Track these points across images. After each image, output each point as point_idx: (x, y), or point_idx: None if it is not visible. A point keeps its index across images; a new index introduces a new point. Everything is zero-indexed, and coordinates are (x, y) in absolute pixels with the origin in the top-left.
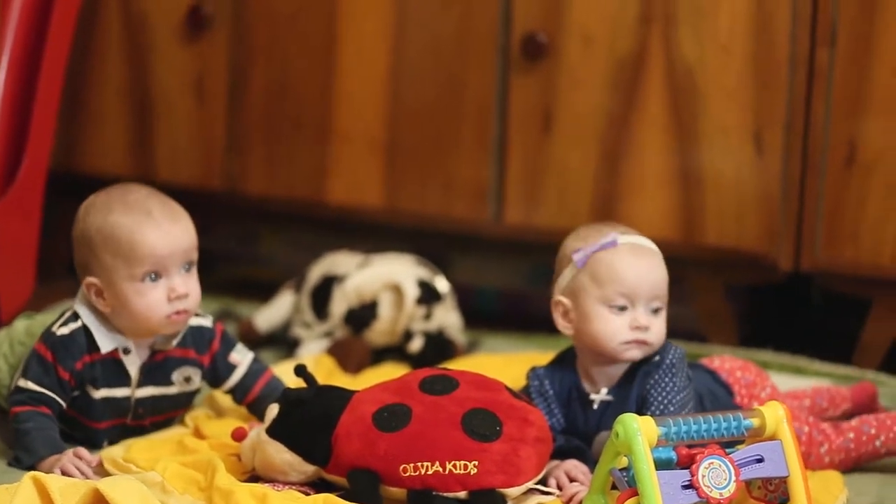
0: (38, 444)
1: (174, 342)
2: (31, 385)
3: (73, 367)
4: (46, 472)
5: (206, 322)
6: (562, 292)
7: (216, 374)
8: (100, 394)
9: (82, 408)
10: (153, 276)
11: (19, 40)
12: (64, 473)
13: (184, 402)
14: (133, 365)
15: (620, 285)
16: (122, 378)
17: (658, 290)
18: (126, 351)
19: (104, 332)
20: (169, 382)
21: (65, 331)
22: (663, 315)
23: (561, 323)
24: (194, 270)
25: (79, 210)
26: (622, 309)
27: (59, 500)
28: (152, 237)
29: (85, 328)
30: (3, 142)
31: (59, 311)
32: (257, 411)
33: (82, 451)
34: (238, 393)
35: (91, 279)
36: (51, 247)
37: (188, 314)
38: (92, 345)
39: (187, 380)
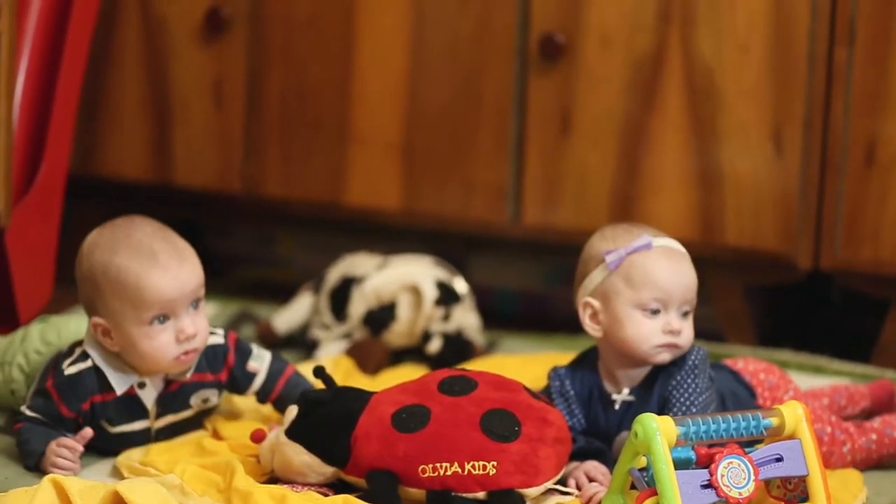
0: (33, 443)
1: (188, 374)
2: (32, 414)
3: (78, 407)
4: (50, 468)
5: (218, 339)
6: (590, 294)
7: (236, 385)
8: (117, 429)
9: (100, 439)
10: (161, 318)
11: (38, 43)
12: (56, 467)
13: (203, 418)
14: (149, 398)
15: (655, 289)
16: (139, 412)
17: (690, 294)
18: (141, 385)
19: (116, 373)
20: (187, 407)
21: (73, 370)
22: (691, 318)
23: (589, 325)
24: (202, 306)
25: (82, 247)
26: (655, 312)
27: (77, 502)
28: (160, 282)
29: (96, 368)
30: (22, 145)
31: (76, 315)
32: (281, 409)
33: (64, 439)
34: (261, 395)
35: (98, 319)
36: (69, 250)
37: (197, 352)
38: (105, 385)
39: (205, 401)
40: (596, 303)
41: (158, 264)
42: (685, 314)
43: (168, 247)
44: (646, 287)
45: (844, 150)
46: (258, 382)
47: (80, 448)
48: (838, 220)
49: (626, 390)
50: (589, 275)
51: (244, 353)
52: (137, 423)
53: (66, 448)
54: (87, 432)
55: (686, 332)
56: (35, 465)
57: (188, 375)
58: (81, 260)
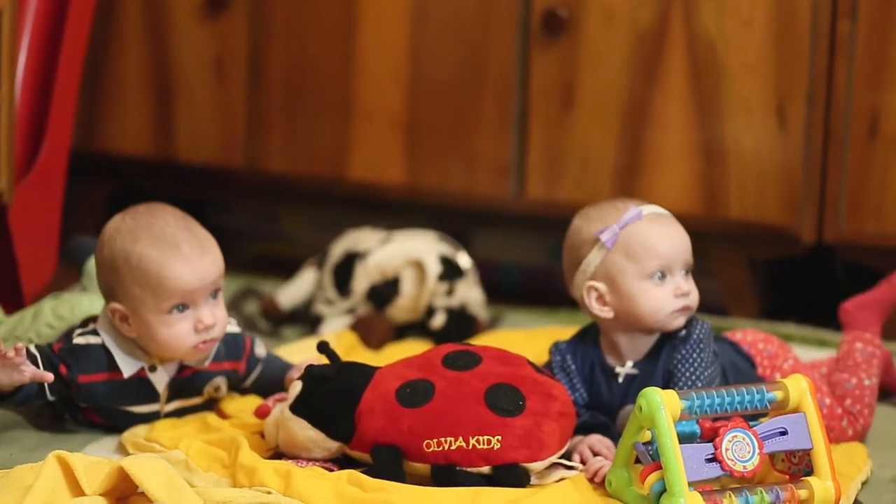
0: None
1: (206, 362)
2: (34, 351)
3: (75, 375)
4: None
5: (235, 328)
6: (592, 277)
7: (246, 372)
8: (125, 409)
9: (108, 417)
10: (180, 307)
11: (40, 20)
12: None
13: (212, 405)
14: (161, 382)
15: (658, 257)
16: (149, 395)
17: (688, 255)
18: (152, 369)
19: (126, 356)
20: (198, 394)
21: (81, 341)
22: (691, 278)
23: (596, 308)
24: (220, 296)
25: (103, 232)
26: (661, 279)
27: (83, 478)
28: (181, 272)
29: (104, 348)
30: (24, 122)
31: (88, 293)
32: (262, 392)
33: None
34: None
35: (116, 305)
36: (73, 226)
37: (215, 342)
38: (112, 365)
39: (216, 389)
40: (600, 285)
41: (181, 254)
42: (686, 273)
43: (190, 237)
44: (648, 256)
45: (847, 124)
46: (260, 368)
47: (12, 353)
48: (842, 194)
49: (629, 363)
50: (584, 259)
51: (253, 340)
52: (147, 406)
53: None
54: (48, 376)
55: (693, 292)
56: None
57: (206, 364)
58: (102, 246)
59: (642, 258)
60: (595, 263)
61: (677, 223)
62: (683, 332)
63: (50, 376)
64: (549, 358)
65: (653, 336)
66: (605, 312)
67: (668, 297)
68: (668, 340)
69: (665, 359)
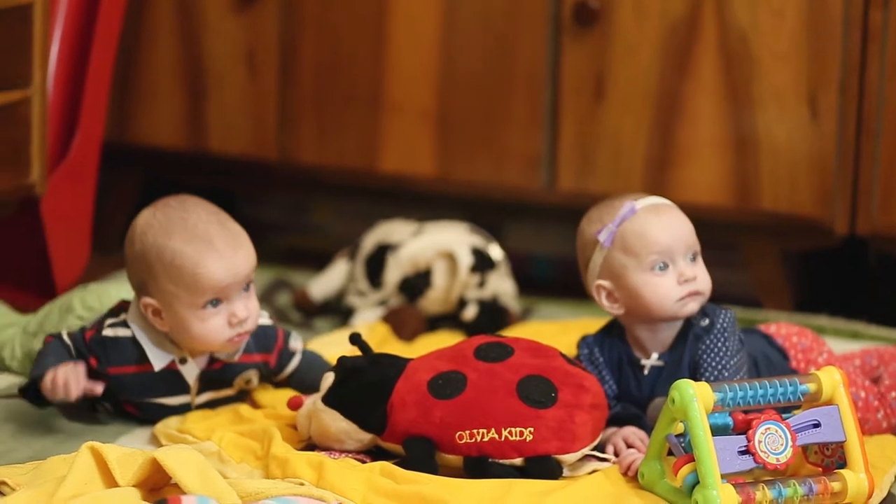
0: (50, 357)
1: (237, 355)
2: (66, 339)
3: (104, 367)
4: (49, 382)
5: (266, 320)
6: (599, 276)
7: (279, 365)
8: (156, 401)
9: (140, 408)
10: (214, 302)
11: (72, 11)
12: (55, 383)
13: (243, 397)
14: (191, 375)
15: (654, 247)
16: (180, 387)
17: (690, 240)
18: (183, 361)
19: (156, 348)
20: (229, 386)
21: (110, 333)
22: (701, 262)
23: (607, 305)
24: (252, 288)
25: (133, 226)
26: (664, 269)
27: (116, 469)
28: (216, 268)
29: (134, 341)
30: (57, 113)
31: (115, 281)
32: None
33: (76, 367)
34: (296, 375)
35: (148, 300)
36: (105, 217)
37: (248, 334)
38: (143, 357)
39: (248, 382)
40: (606, 283)
41: (215, 250)
42: (693, 258)
43: (223, 232)
44: (645, 249)
45: (880, 114)
46: (295, 362)
47: (84, 383)
48: (874, 185)
49: (654, 355)
50: (591, 259)
51: (286, 333)
52: (177, 398)
53: (72, 375)
54: (98, 388)
55: (701, 276)
56: (39, 377)
57: (237, 357)
58: (133, 240)
59: (639, 252)
60: (599, 263)
61: (675, 211)
62: (707, 321)
63: (100, 389)
64: (577, 351)
65: (674, 327)
66: (616, 309)
67: (672, 285)
68: (691, 331)
69: (690, 349)
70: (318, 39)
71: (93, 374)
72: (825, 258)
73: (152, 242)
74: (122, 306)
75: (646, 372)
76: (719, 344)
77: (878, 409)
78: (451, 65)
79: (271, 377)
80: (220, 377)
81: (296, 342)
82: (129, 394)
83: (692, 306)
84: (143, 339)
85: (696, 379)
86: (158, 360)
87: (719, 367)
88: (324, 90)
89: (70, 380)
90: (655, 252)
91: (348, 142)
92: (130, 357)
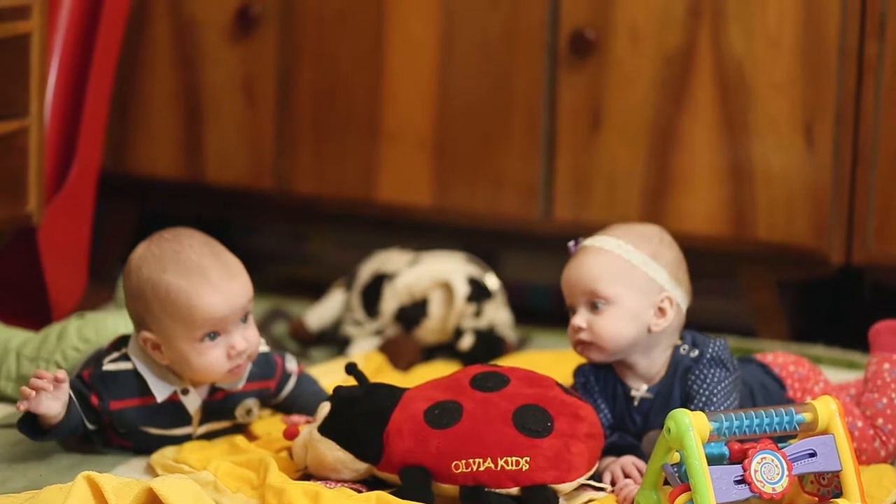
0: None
1: (240, 384)
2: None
3: (107, 404)
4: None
5: (264, 346)
6: None
7: (277, 389)
8: (157, 433)
9: (141, 442)
10: (212, 335)
11: (69, 41)
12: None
13: (242, 428)
14: (193, 405)
15: (563, 289)
16: (182, 419)
17: (587, 287)
18: (185, 392)
19: (159, 380)
20: (230, 417)
21: (111, 367)
22: (612, 312)
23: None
24: (251, 318)
25: (129, 260)
26: (574, 313)
27: (112, 499)
28: (211, 301)
29: (136, 373)
30: (54, 143)
31: (113, 312)
32: (289, 410)
33: (41, 371)
34: (290, 397)
35: (147, 334)
36: (102, 247)
37: (249, 361)
38: (145, 390)
39: (248, 412)
40: None
41: (209, 283)
42: (594, 307)
43: (217, 263)
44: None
45: (876, 144)
46: (291, 384)
47: (53, 377)
48: (870, 215)
49: (644, 387)
50: None
51: (283, 357)
52: (179, 430)
53: (42, 379)
54: (62, 374)
55: (598, 327)
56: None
57: (240, 385)
58: (129, 275)
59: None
60: None
61: (590, 257)
62: (696, 352)
63: (63, 373)
64: (574, 381)
65: (661, 360)
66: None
67: (570, 330)
68: (681, 364)
69: (680, 381)
70: (315, 69)
71: (94, 412)
72: (821, 288)
73: (147, 277)
74: (122, 340)
75: (636, 403)
76: (707, 371)
77: (875, 438)
78: (448, 94)
79: (270, 400)
80: (221, 407)
81: (291, 363)
82: (132, 426)
83: (590, 355)
84: (144, 372)
85: (687, 408)
86: (161, 392)
87: (708, 392)
88: (321, 119)
89: (38, 385)
90: (565, 294)
91: (345, 171)
92: (132, 390)
